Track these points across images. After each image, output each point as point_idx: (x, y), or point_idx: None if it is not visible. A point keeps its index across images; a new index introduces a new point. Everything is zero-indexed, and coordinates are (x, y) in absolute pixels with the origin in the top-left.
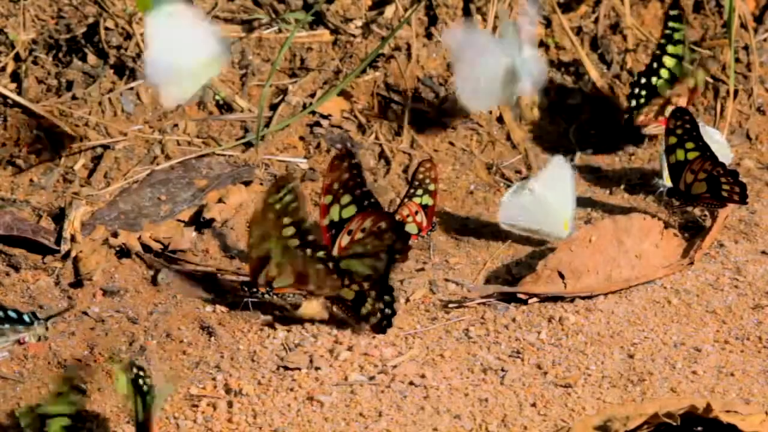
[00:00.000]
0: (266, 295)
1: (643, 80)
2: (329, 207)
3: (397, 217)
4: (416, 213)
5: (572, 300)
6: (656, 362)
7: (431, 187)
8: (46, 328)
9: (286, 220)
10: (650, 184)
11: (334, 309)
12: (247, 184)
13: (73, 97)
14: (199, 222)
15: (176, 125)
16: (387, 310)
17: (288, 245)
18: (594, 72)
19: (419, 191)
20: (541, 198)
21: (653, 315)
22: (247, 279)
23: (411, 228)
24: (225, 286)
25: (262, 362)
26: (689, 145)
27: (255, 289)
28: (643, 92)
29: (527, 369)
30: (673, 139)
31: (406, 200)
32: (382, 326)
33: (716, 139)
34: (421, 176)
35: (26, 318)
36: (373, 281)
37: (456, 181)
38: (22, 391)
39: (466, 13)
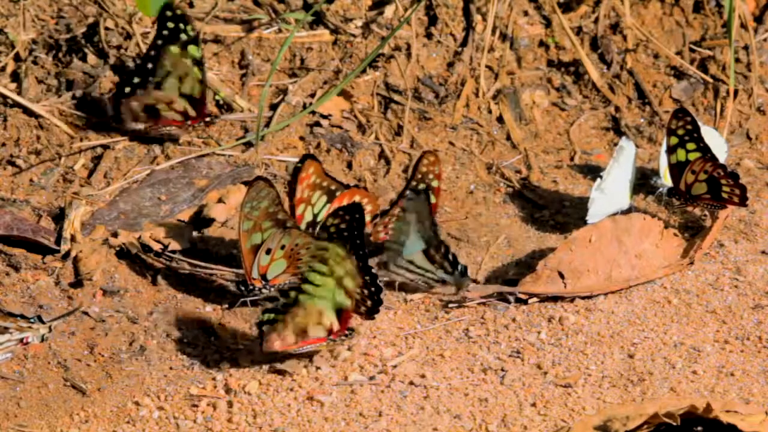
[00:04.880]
0: (263, 290)
1: None
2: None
3: (397, 210)
4: None
5: (572, 300)
6: (656, 362)
7: (434, 184)
8: (50, 330)
9: (267, 224)
10: (650, 184)
11: None
12: (247, 184)
13: (73, 97)
14: (199, 222)
15: None
16: (375, 295)
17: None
18: (594, 72)
19: (421, 186)
20: (614, 182)
21: (653, 315)
22: (243, 279)
23: None
24: (225, 286)
25: (262, 362)
26: (690, 145)
27: (252, 287)
28: None
29: (527, 369)
30: (674, 140)
31: (407, 193)
32: (374, 309)
33: (712, 136)
34: (424, 169)
35: (32, 321)
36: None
37: (456, 181)
38: (22, 391)
39: (466, 13)
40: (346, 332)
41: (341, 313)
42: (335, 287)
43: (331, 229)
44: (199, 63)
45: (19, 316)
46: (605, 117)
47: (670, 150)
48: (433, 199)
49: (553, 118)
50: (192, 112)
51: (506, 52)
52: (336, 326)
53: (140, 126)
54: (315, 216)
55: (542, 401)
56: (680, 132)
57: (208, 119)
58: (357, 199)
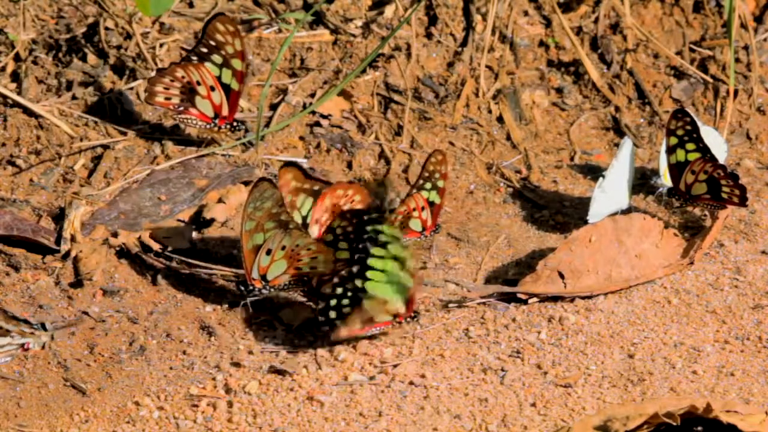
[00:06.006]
0: (263, 291)
1: None
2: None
3: (403, 208)
4: (422, 209)
5: (572, 300)
6: (656, 362)
7: (440, 184)
8: (52, 338)
9: (270, 225)
10: (650, 184)
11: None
12: (247, 184)
13: (73, 97)
14: (199, 222)
15: (176, 125)
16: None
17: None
18: (594, 72)
19: (427, 185)
20: (614, 182)
21: (653, 315)
22: (243, 279)
23: (415, 224)
24: (225, 286)
25: (262, 362)
26: (690, 146)
27: (251, 287)
28: None
29: (527, 369)
30: (673, 140)
31: (414, 191)
32: None
33: (712, 136)
34: (431, 168)
35: (35, 327)
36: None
37: (456, 181)
38: (22, 391)
39: (466, 13)
40: (412, 315)
41: (407, 297)
42: (397, 270)
43: (337, 231)
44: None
45: (23, 321)
46: (605, 117)
47: (670, 150)
48: (438, 200)
49: (553, 118)
50: (225, 110)
51: (506, 52)
52: (402, 310)
53: (167, 108)
54: (304, 218)
55: (542, 401)
56: (680, 132)
57: (235, 124)
58: (340, 193)
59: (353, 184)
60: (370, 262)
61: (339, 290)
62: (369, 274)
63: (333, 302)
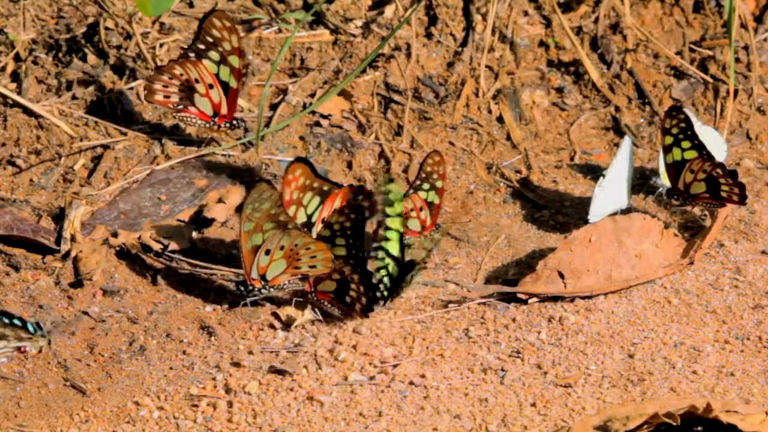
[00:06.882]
0: (263, 290)
1: None
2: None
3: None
4: (421, 209)
5: (572, 300)
6: (656, 362)
7: (438, 184)
8: (49, 342)
9: (268, 226)
10: (650, 184)
11: (321, 305)
12: (247, 184)
13: (73, 97)
14: (199, 222)
15: (176, 125)
16: (371, 293)
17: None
18: (594, 72)
19: (425, 185)
20: (613, 181)
21: (653, 315)
22: (242, 279)
23: (413, 224)
24: (225, 286)
25: (262, 362)
26: (685, 144)
27: (251, 287)
28: None
29: (527, 369)
30: (669, 139)
31: (411, 191)
32: (369, 308)
33: (712, 136)
34: (428, 169)
35: (30, 327)
36: (352, 265)
37: (456, 181)
38: (22, 391)
39: (466, 13)
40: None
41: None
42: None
43: (335, 227)
44: (241, 53)
45: (19, 319)
46: (605, 117)
47: (666, 149)
48: (437, 200)
49: (553, 118)
50: (224, 109)
51: (506, 52)
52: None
53: (167, 106)
54: (309, 217)
55: (542, 401)
56: (674, 131)
57: (234, 122)
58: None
59: (365, 190)
60: (388, 222)
61: (377, 264)
62: (387, 234)
63: (379, 277)
